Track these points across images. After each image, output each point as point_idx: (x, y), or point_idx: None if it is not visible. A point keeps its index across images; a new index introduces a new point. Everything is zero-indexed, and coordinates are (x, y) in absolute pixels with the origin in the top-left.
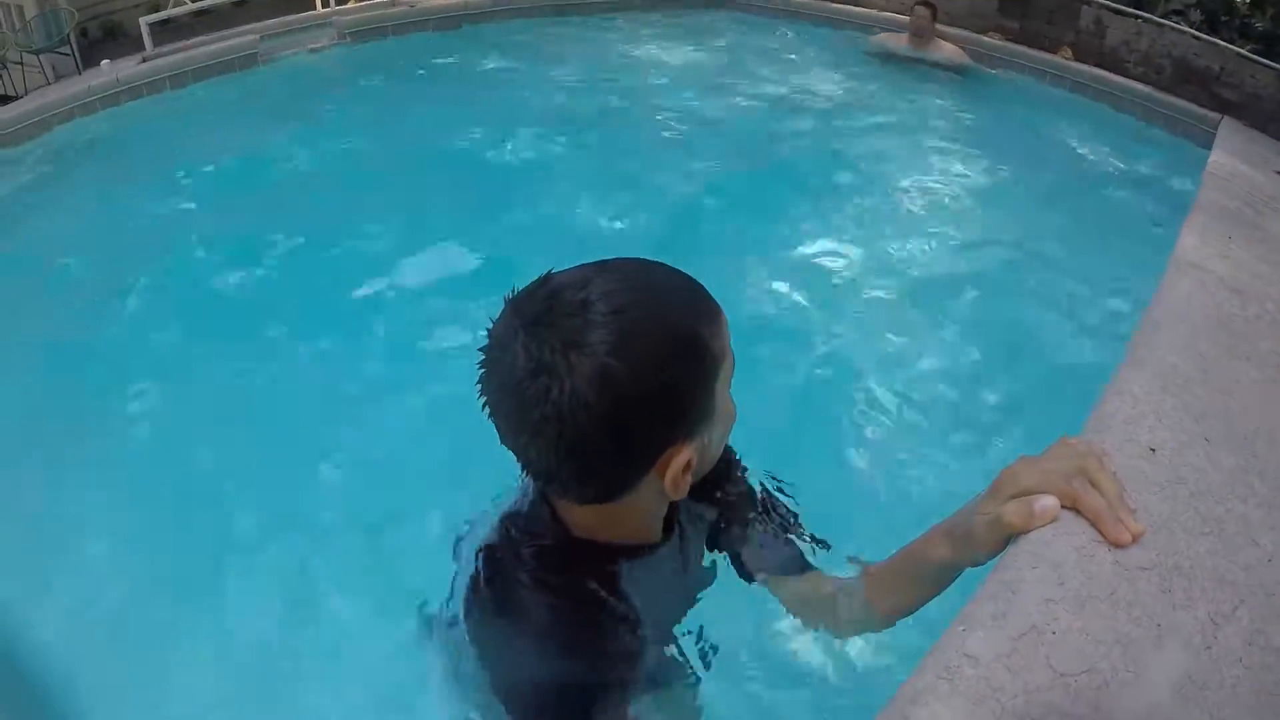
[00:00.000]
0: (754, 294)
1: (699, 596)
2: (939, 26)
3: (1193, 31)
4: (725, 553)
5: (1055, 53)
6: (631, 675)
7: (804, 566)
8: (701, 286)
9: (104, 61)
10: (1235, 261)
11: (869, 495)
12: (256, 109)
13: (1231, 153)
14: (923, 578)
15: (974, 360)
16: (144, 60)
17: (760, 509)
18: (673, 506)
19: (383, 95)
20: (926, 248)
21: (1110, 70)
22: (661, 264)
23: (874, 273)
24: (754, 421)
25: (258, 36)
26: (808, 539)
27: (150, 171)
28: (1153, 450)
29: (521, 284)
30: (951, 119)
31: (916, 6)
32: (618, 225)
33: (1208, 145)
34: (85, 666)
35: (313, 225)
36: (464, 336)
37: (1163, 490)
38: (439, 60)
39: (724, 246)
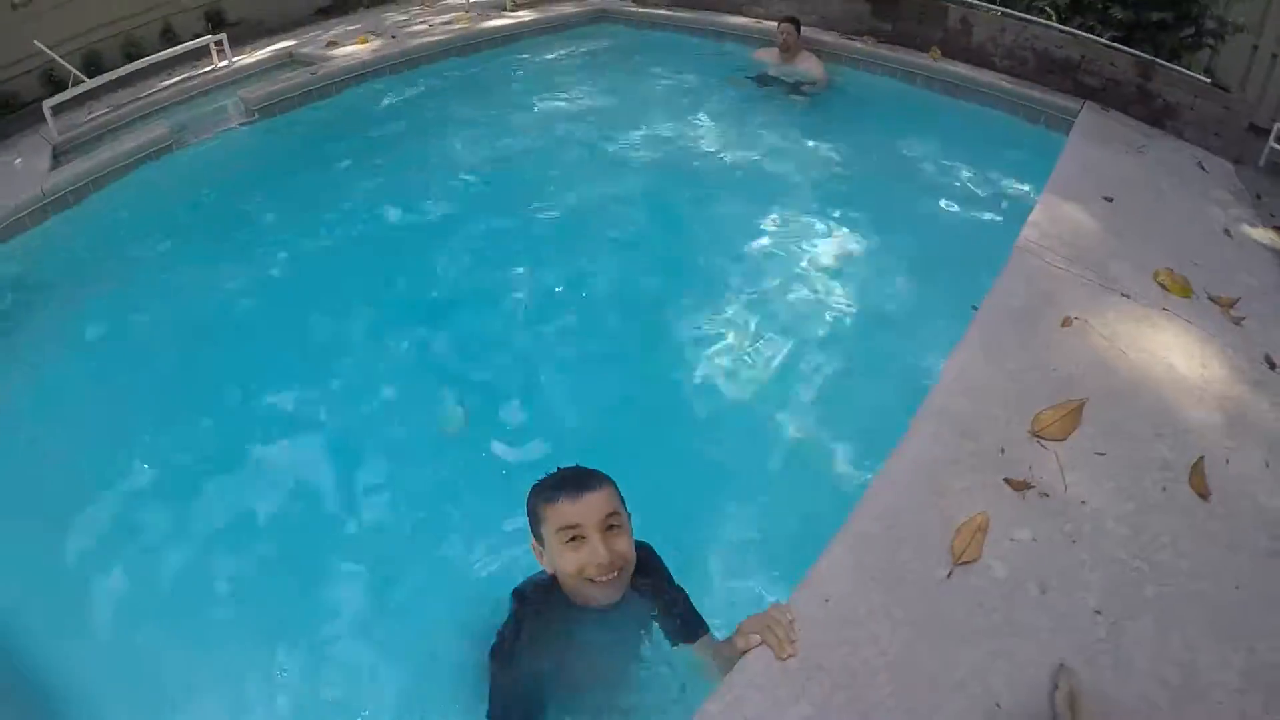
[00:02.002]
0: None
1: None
2: (810, 36)
3: (1056, 26)
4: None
5: (927, 52)
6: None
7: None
8: (567, 483)
9: (16, 160)
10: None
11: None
12: (179, 206)
13: (1086, 136)
14: (721, 659)
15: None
16: (54, 152)
17: (679, 603)
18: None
19: (297, 171)
20: (788, 278)
21: (978, 65)
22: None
23: (732, 301)
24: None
25: (167, 129)
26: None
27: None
28: None
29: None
30: (820, 137)
31: (781, 23)
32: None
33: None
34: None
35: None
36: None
37: None
38: (350, 124)
39: (593, 281)
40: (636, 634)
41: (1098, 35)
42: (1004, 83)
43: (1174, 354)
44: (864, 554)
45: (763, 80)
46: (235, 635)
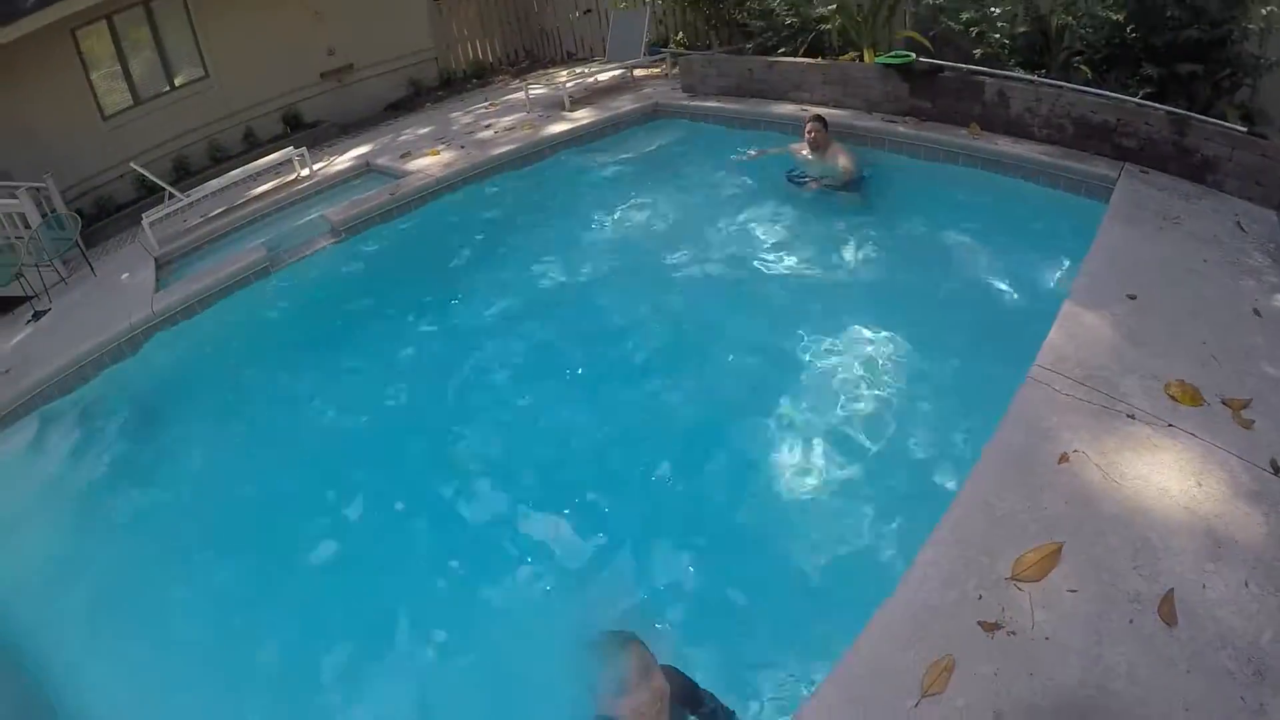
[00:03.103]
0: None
1: None
2: (848, 123)
3: (1090, 90)
4: None
5: (967, 128)
6: None
7: None
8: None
9: (124, 275)
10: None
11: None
12: (280, 323)
13: (1120, 214)
14: None
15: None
16: (156, 264)
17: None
18: None
19: (384, 285)
20: (818, 384)
21: (1018, 137)
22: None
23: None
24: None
25: (265, 251)
26: None
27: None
28: None
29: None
30: (861, 232)
31: (809, 123)
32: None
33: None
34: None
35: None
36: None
37: None
38: (429, 238)
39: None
40: None
41: (1132, 93)
42: (1041, 155)
43: (1170, 476)
44: (849, 687)
45: (801, 177)
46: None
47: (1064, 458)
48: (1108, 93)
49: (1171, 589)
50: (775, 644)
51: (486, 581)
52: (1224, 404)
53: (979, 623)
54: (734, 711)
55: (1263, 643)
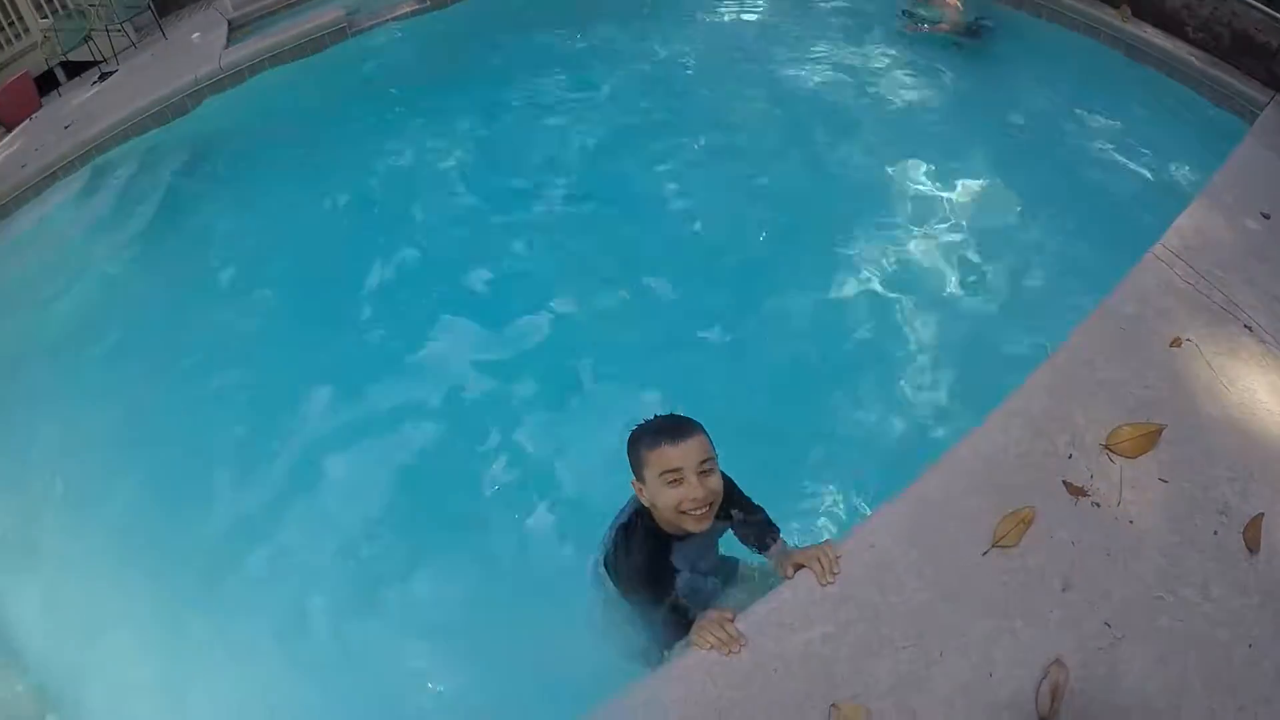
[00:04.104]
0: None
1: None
2: None
3: (1259, 6)
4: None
5: (1117, 9)
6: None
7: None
8: (668, 430)
9: (194, 35)
10: None
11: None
12: (354, 90)
13: (1264, 137)
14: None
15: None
16: (230, 27)
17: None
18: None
19: (469, 62)
20: (941, 238)
21: (1169, 32)
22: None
23: (854, 242)
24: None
25: (343, 11)
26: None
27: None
28: None
29: None
30: (983, 84)
31: None
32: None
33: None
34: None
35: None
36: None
37: None
38: (521, 14)
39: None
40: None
41: None
42: (1192, 57)
43: (1277, 400)
44: (915, 517)
45: (918, 19)
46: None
47: (1176, 341)
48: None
49: (1261, 514)
50: (837, 478)
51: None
52: None
53: (1064, 482)
54: (779, 528)
55: None
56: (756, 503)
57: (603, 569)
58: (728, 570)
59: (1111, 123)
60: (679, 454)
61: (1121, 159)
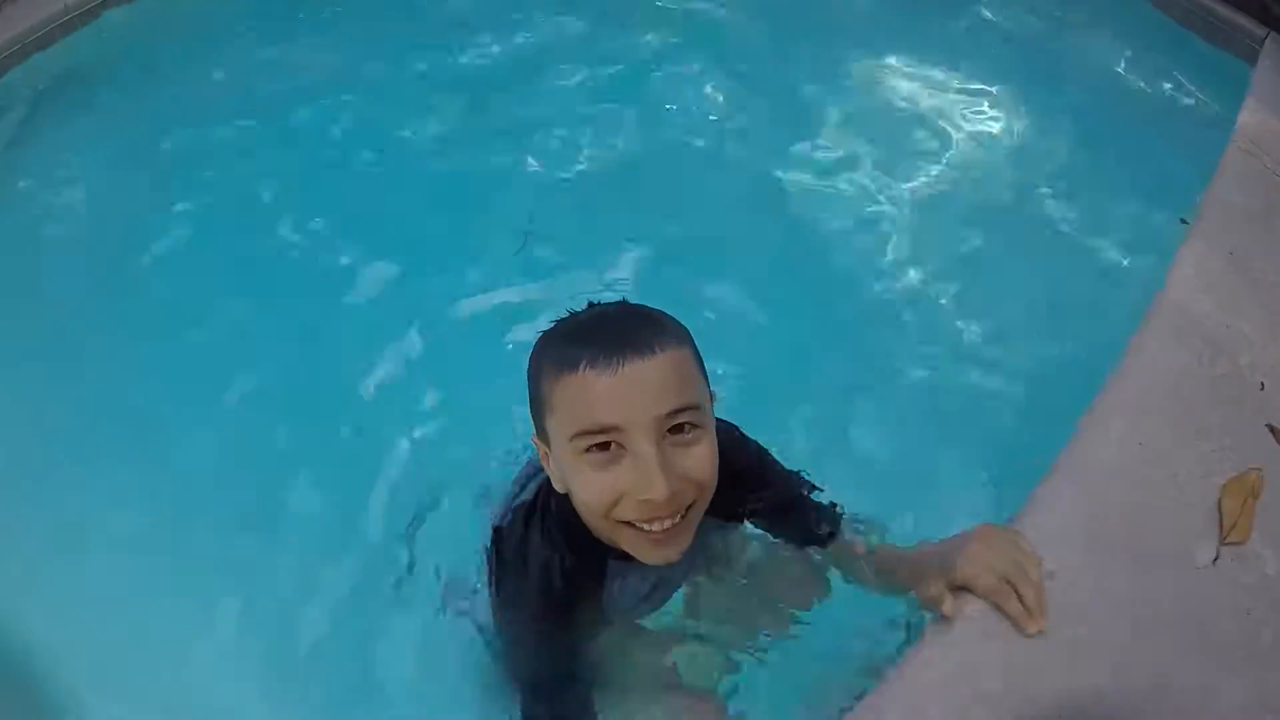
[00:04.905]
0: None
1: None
2: None
3: None
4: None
5: None
6: None
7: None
8: (599, 335)
9: None
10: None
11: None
12: None
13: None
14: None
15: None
16: None
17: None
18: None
19: None
20: (922, 176)
21: None
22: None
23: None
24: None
25: None
26: None
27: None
28: None
29: None
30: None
31: None
32: None
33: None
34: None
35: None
36: None
37: None
38: None
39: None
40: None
41: None
42: None
43: None
44: (1094, 505)
45: None
46: None
47: None
48: None
49: None
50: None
51: None
52: None
53: (1270, 427)
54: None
55: None
56: (797, 476)
57: (484, 589)
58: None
59: (1111, 50)
60: (618, 394)
61: (1131, 85)
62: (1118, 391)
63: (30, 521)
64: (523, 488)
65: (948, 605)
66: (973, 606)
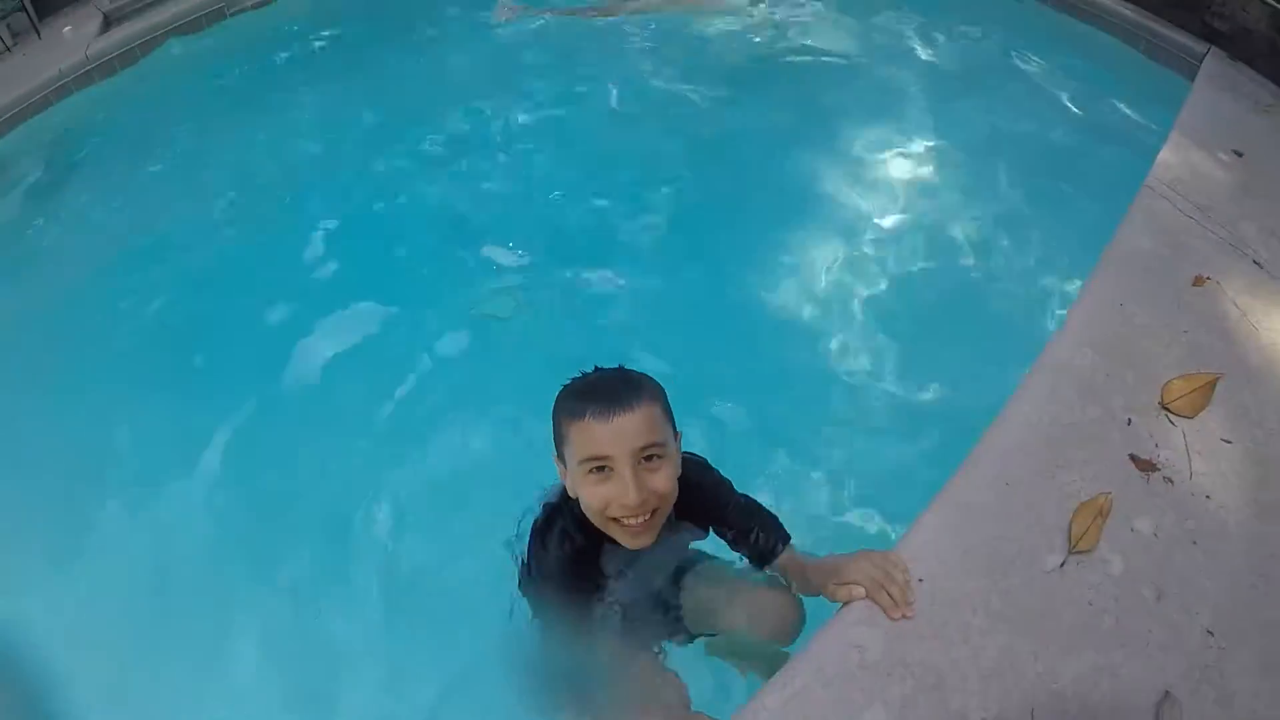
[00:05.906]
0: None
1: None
2: None
3: None
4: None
5: None
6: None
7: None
8: (598, 394)
9: (65, 29)
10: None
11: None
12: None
13: (1212, 85)
14: (804, 586)
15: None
16: (106, 20)
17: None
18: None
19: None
20: (876, 205)
21: None
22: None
23: (820, 227)
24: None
25: None
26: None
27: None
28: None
29: None
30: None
31: None
32: None
33: (1191, 76)
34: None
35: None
36: None
37: None
38: None
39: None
40: (673, 573)
41: None
42: (1124, 9)
43: None
44: (966, 528)
45: None
46: None
47: (1199, 280)
48: None
49: None
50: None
51: None
52: None
53: (1131, 456)
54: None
55: None
56: (757, 504)
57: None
58: (696, 589)
59: (1055, 75)
60: (609, 435)
61: (1071, 109)
62: (991, 440)
63: (37, 537)
64: (539, 506)
65: (849, 594)
66: (861, 601)
